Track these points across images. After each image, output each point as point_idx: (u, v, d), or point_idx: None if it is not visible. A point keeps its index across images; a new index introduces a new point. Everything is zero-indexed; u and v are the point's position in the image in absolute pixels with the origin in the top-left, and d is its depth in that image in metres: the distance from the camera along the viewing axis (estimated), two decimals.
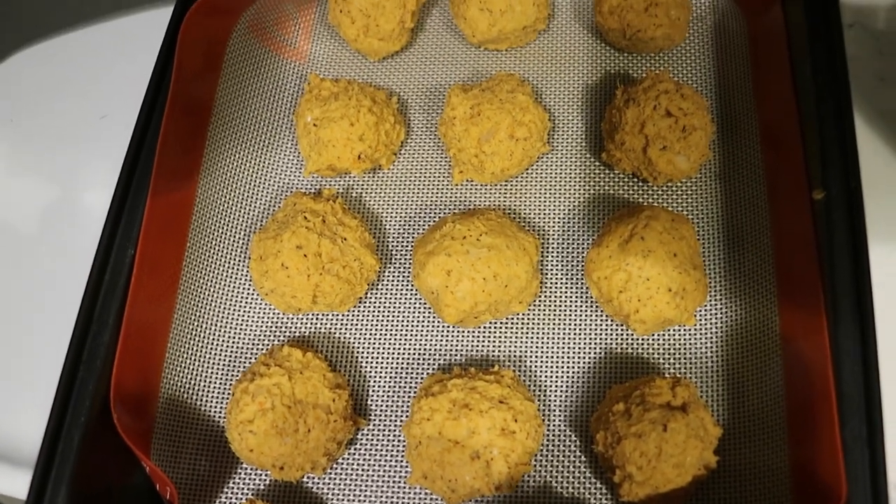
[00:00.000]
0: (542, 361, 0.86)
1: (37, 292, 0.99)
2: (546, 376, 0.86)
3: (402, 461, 0.84)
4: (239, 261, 0.94)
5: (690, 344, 0.85)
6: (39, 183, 1.07)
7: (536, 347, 0.87)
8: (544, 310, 0.88)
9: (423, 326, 0.89)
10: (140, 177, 0.88)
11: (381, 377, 0.87)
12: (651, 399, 0.75)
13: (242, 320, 0.91)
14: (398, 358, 0.88)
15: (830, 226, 0.78)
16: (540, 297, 0.89)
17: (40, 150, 1.10)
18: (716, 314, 0.86)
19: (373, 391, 0.87)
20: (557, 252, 0.91)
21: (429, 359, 0.88)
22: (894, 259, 0.89)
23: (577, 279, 0.90)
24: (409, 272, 0.92)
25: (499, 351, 0.87)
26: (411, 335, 0.89)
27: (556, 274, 0.90)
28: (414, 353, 0.88)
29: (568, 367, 0.86)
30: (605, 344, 0.86)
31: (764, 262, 0.85)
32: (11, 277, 1.01)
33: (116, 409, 0.79)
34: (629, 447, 0.72)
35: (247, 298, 0.92)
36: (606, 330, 0.87)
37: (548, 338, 0.87)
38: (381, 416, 0.86)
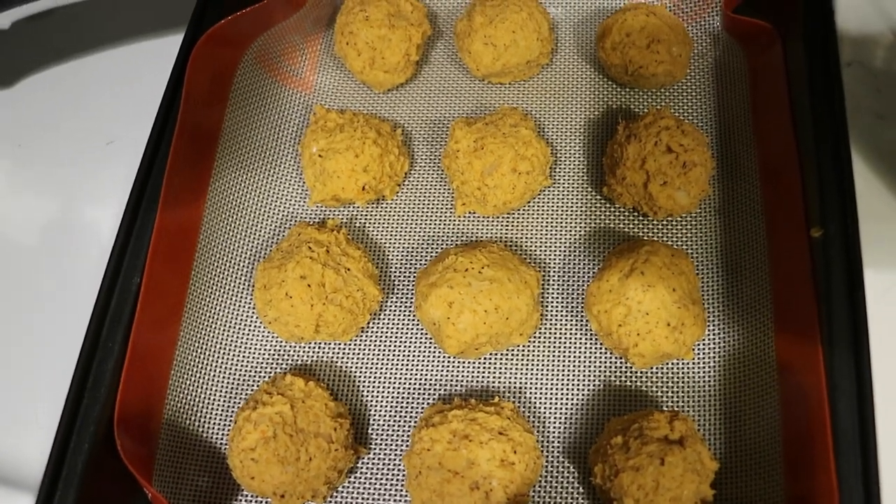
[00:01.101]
0: (541, 393, 0.87)
1: (40, 313, 0.99)
2: (546, 408, 0.86)
3: (401, 491, 0.84)
4: (243, 289, 0.95)
5: (689, 378, 0.86)
6: (45, 207, 1.07)
7: (536, 379, 0.88)
8: (545, 342, 0.89)
9: (424, 357, 0.90)
10: (147, 205, 0.89)
11: (382, 406, 0.88)
12: (649, 432, 0.75)
13: (246, 348, 0.92)
14: (399, 388, 0.89)
15: (827, 262, 0.79)
16: (540, 329, 0.90)
17: (48, 175, 1.10)
18: (714, 348, 0.87)
19: (374, 420, 0.88)
20: (558, 285, 0.92)
21: (430, 389, 0.88)
22: (891, 295, 0.89)
23: (577, 312, 0.90)
24: (411, 303, 0.93)
25: (499, 382, 0.88)
26: (413, 365, 0.90)
27: (557, 307, 0.91)
28: (415, 384, 0.89)
29: (567, 400, 0.86)
30: (605, 377, 0.87)
31: (762, 298, 0.86)
32: (15, 299, 1.01)
33: (120, 434, 0.79)
34: (627, 480, 0.73)
35: (250, 326, 0.93)
36: (606, 363, 0.88)
37: (548, 370, 0.88)
38: (381, 445, 0.86)
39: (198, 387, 0.90)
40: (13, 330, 0.99)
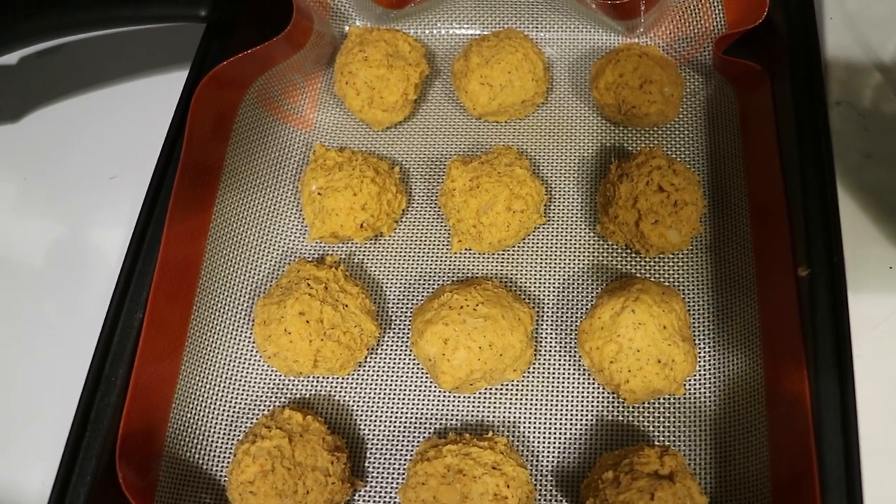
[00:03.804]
0: (535, 428, 0.88)
1: (45, 347, 1.00)
2: (538, 443, 0.87)
3: None
4: (243, 324, 0.96)
5: (679, 413, 0.87)
6: (50, 240, 1.08)
7: (530, 414, 0.89)
8: (538, 378, 0.91)
9: (420, 392, 0.91)
10: (150, 242, 0.90)
11: (378, 440, 0.89)
12: (639, 468, 0.76)
13: (245, 382, 0.93)
14: (395, 422, 0.90)
15: (814, 299, 0.80)
16: (534, 365, 0.91)
17: (52, 208, 1.12)
18: (704, 384, 0.88)
19: (370, 454, 0.89)
20: (552, 321, 0.94)
21: (425, 423, 0.90)
22: (877, 331, 0.91)
23: (570, 348, 0.92)
24: (407, 338, 0.94)
25: (493, 417, 0.89)
26: (408, 400, 0.91)
27: (550, 343, 0.92)
28: (411, 418, 0.90)
29: (560, 434, 0.88)
30: (597, 412, 0.88)
31: (751, 335, 0.87)
32: (19, 333, 1.02)
33: (122, 467, 0.80)
34: None
35: (250, 361, 0.94)
36: (598, 398, 0.89)
37: (541, 405, 0.89)
38: (377, 478, 0.88)
39: (198, 420, 0.91)
40: (16, 364, 1.00)
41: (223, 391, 0.93)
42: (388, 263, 0.99)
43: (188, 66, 1.03)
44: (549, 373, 0.91)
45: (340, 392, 0.92)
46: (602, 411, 0.88)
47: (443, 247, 1.00)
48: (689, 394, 0.88)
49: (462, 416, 0.90)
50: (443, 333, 0.84)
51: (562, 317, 0.94)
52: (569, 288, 0.96)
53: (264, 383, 0.93)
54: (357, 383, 0.93)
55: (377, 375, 0.93)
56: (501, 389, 0.90)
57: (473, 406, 0.90)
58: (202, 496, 0.87)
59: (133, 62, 1.23)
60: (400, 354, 0.94)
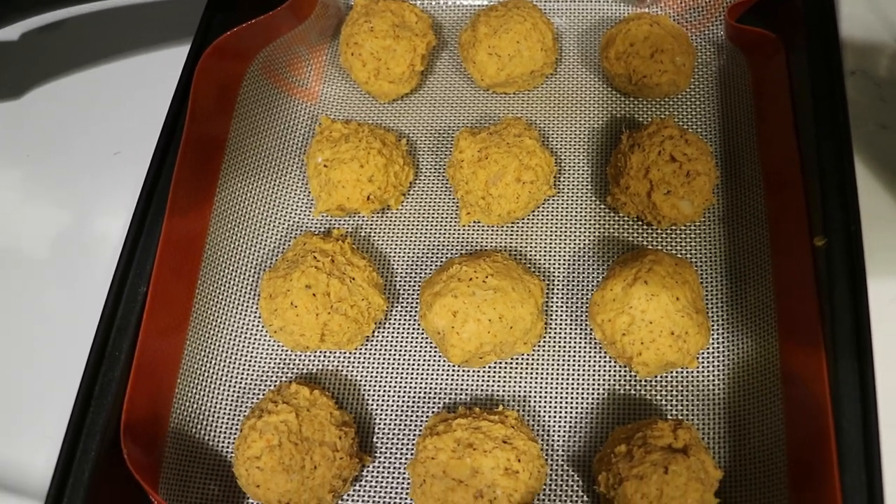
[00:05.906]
0: (546, 402, 0.87)
1: (48, 322, 1.00)
2: (550, 416, 0.86)
3: (406, 499, 0.84)
4: (248, 298, 0.95)
5: (692, 386, 0.86)
6: (54, 216, 1.08)
7: (540, 388, 0.88)
8: (549, 351, 0.89)
9: (428, 366, 0.90)
10: (153, 215, 0.89)
11: (386, 415, 0.88)
12: (653, 441, 0.75)
13: (251, 357, 0.92)
14: (404, 396, 0.89)
15: (831, 271, 0.79)
16: (544, 338, 0.90)
17: (56, 185, 1.11)
18: (718, 357, 0.87)
19: (379, 429, 0.88)
20: (562, 294, 0.93)
21: (434, 398, 0.89)
22: (893, 307, 0.89)
23: (581, 321, 0.91)
24: (415, 312, 0.93)
25: (503, 391, 0.88)
26: (417, 374, 0.90)
27: (561, 316, 0.91)
28: (419, 392, 0.89)
29: (571, 408, 0.87)
30: (609, 385, 0.87)
31: (765, 307, 0.86)
32: (23, 308, 1.01)
33: (126, 443, 0.79)
34: (630, 489, 0.73)
35: (256, 335, 0.93)
36: (610, 372, 0.88)
37: (552, 378, 0.88)
38: (386, 453, 0.87)
39: (204, 395, 0.90)
40: (20, 339, 0.99)
41: (229, 366, 0.92)
42: (395, 236, 0.98)
43: (191, 41, 1.01)
44: (559, 346, 0.90)
45: (348, 366, 0.91)
46: (614, 384, 0.87)
47: (451, 219, 0.98)
48: (703, 367, 0.87)
49: (472, 390, 0.89)
50: (452, 306, 0.82)
51: (573, 289, 0.93)
52: (579, 260, 0.94)
53: (270, 358, 0.92)
54: (365, 357, 0.91)
55: (385, 349, 0.92)
56: (511, 363, 0.89)
57: (483, 380, 0.89)
58: (208, 473, 0.87)
59: (135, 36, 1.22)
60: (408, 328, 0.93)
